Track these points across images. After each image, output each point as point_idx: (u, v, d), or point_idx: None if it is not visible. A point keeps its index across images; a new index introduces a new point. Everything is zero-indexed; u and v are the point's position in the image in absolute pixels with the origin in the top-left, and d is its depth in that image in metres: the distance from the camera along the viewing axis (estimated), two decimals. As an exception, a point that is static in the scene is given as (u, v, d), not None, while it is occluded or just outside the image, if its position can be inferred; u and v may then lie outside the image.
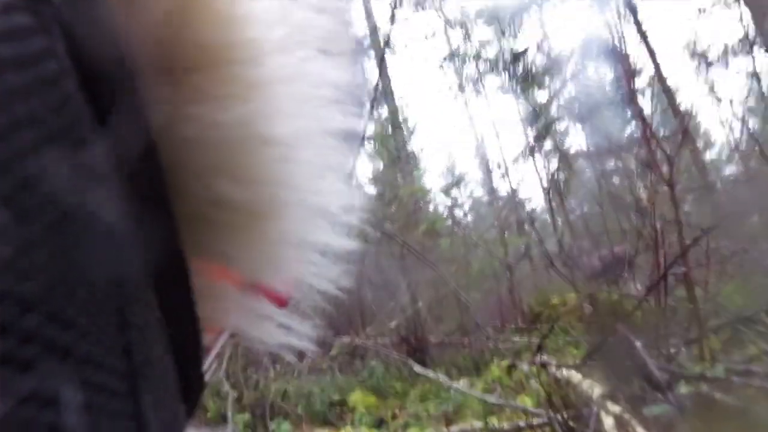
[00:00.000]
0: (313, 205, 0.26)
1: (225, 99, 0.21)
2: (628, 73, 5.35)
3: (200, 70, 0.21)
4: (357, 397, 4.99)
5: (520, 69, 7.19)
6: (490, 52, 7.83)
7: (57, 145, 0.15)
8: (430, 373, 4.54)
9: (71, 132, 0.16)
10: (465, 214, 8.16)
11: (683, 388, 2.08)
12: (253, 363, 4.86)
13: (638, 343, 2.13)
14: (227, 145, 0.22)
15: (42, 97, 0.15)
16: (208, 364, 0.30)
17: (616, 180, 6.06)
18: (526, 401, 3.59)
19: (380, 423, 4.46)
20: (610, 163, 5.74)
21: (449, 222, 7.45)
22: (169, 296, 0.21)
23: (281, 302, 0.29)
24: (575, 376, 3.11)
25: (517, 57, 7.06)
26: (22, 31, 0.14)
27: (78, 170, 0.15)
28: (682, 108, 5.61)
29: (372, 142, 6.91)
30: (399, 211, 6.25)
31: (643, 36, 5.76)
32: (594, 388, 2.68)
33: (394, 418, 4.56)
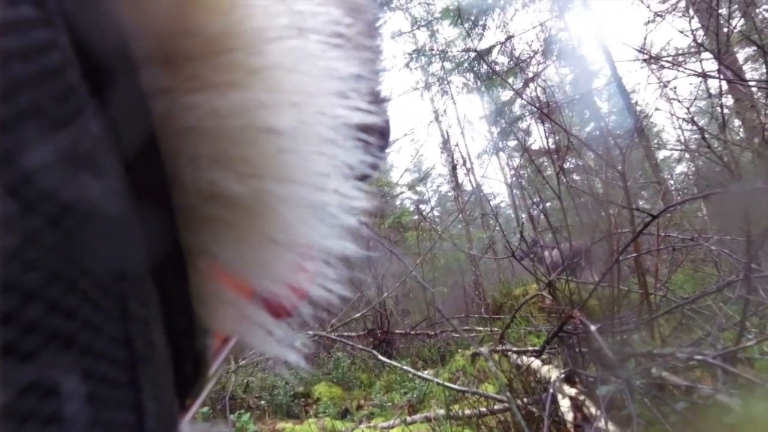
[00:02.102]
0: (313, 204, 0.24)
1: (224, 87, 0.21)
2: (586, 74, 5.54)
3: (200, 58, 0.21)
4: (322, 389, 4.99)
5: (484, 68, 7.31)
6: (456, 50, 7.94)
7: (61, 135, 0.15)
8: (395, 363, 4.60)
9: (75, 123, 0.16)
10: (431, 209, 8.26)
11: (633, 370, 2.20)
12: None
13: (593, 328, 2.23)
14: (225, 135, 0.21)
15: (46, 88, 0.15)
16: (215, 369, 0.30)
17: (576, 176, 6.26)
18: (489, 389, 3.70)
19: (345, 414, 4.48)
20: (571, 160, 5.93)
21: (415, 216, 7.54)
22: (166, 290, 0.21)
23: (282, 313, 0.28)
24: (535, 363, 3.22)
25: (481, 56, 7.18)
26: (27, 23, 0.14)
27: (81, 161, 0.15)
28: (637, 108, 5.85)
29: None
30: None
31: (601, 39, 5.96)
32: (552, 373, 2.79)
33: (359, 408, 4.60)
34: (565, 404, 2.44)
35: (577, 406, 2.36)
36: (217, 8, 0.21)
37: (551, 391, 2.49)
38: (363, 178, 0.28)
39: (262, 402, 4.62)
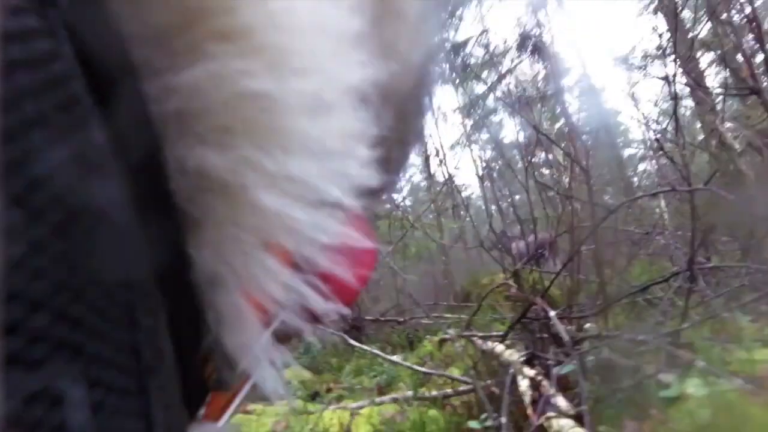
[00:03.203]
0: (297, 177, 0.22)
1: (206, 57, 0.20)
2: (557, 71, 5.72)
3: (180, 29, 0.20)
4: (292, 373, 5.04)
5: (459, 61, 7.41)
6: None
7: (66, 144, 0.15)
8: (366, 348, 4.71)
9: (79, 132, 0.16)
10: (404, 198, 8.39)
11: (588, 354, 2.37)
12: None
13: (552, 314, 2.39)
14: (208, 107, 0.21)
15: (50, 97, 0.15)
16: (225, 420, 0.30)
17: (544, 171, 6.46)
18: (455, 372, 3.85)
19: (315, 396, 4.57)
20: (540, 155, 6.12)
21: (388, 205, 7.64)
22: (173, 299, 0.20)
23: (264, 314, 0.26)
24: (498, 347, 3.38)
25: (457, 49, 7.27)
26: (30, 33, 0.15)
27: (86, 170, 0.15)
28: (606, 107, 6.08)
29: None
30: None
31: (573, 38, 6.13)
32: (513, 356, 2.95)
33: (328, 391, 4.69)
34: (524, 384, 2.61)
35: (534, 385, 2.53)
36: None
37: (511, 371, 2.65)
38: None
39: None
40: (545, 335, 2.91)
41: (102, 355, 0.15)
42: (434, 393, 3.56)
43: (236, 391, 0.30)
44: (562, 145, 4.95)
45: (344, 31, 0.23)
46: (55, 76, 0.15)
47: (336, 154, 0.23)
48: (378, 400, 3.84)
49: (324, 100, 0.23)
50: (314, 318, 0.27)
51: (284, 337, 0.27)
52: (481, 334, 3.89)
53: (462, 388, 3.36)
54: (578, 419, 1.95)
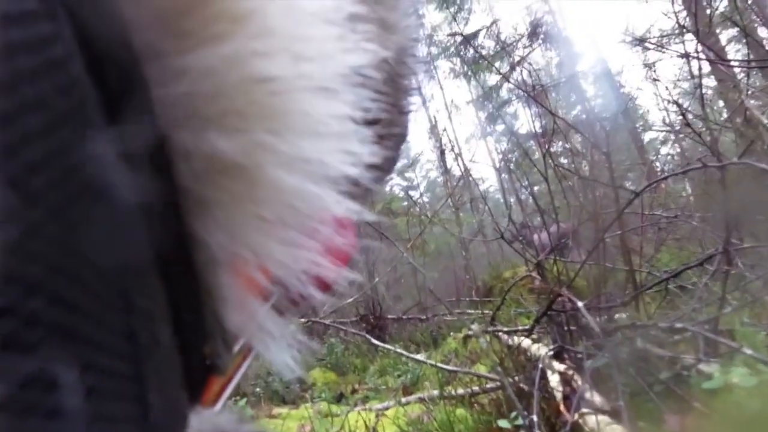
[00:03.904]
0: (311, 159, 0.22)
1: (213, 40, 0.20)
2: (572, 57, 5.58)
3: (186, 12, 0.20)
4: (316, 374, 5.03)
5: (471, 52, 7.31)
6: (442, 35, 7.92)
7: (64, 128, 0.15)
8: (389, 347, 4.66)
9: (78, 115, 0.16)
10: (421, 194, 8.30)
11: (621, 345, 2.27)
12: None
13: (580, 305, 2.30)
14: (217, 91, 0.20)
15: (50, 80, 0.15)
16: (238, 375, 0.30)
17: (563, 159, 6.32)
18: (481, 369, 3.77)
19: (340, 398, 4.54)
20: (558, 143, 5.99)
21: (405, 202, 7.58)
22: (174, 283, 0.20)
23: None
24: (525, 342, 3.29)
25: (467, 40, 7.17)
26: (30, 16, 0.14)
27: (84, 153, 0.15)
28: (623, 91, 5.91)
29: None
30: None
31: (586, 22, 5.97)
32: (541, 351, 2.86)
33: (353, 392, 4.65)
34: (554, 379, 2.52)
35: (566, 380, 2.43)
36: None
37: (540, 366, 2.56)
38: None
39: (258, 389, 4.66)
40: (573, 327, 2.81)
41: (97, 338, 0.15)
42: (461, 391, 3.50)
43: (231, 375, 0.30)
44: (580, 131, 4.82)
45: (347, 13, 0.23)
46: (55, 58, 0.15)
47: (344, 133, 0.23)
48: (403, 400, 3.79)
49: (331, 82, 0.22)
50: (325, 286, 0.27)
51: (290, 304, 0.27)
52: (506, 329, 3.80)
53: (489, 385, 3.28)
54: (615, 415, 1.86)
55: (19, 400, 0.12)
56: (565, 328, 2.82)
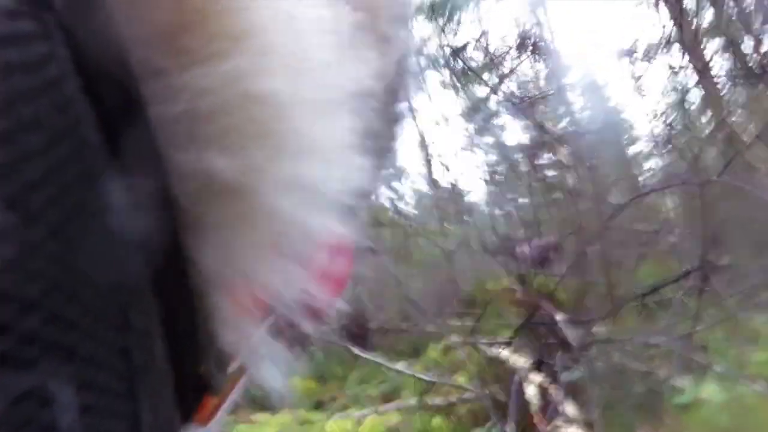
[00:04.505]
0: (309, 181, 0.22)
1: (213, 58, 0.20)
2: (559, 69, 5.63)
3: (186, 29, 0.20)
4: (296, 382, 4.99)
5: (459, 64, 7.36)
6: (431, 48, 7.98)
7: (61, 147, 0.15)
8: (370, 356, 4.64)
9: (75, 134, 0.16)
10: (407, 206, 8.30)
11: (597, 358, 2.27)
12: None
13: (558, 317, 2.30)
14: (217, 109, 0.20)
15: (46, 100, 0.15)
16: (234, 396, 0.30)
17: (551, 172, 6.36)
18: (460, 379, 3.76)
19: (319, 405, 4.50)
20: (546, 156, 6.03)
21: (392, 213, 7.57)
22: (169, 302, 0.20)
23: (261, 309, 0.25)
24: (504, 353, 3.29)
25: (456, 53, 7.22)
26: (25, 37, 0.15)
27: (81, 172, 0.16)
28: (610, 104, 5.97)
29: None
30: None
31: (573, 34, 6.05)
32: (520, 362, 2.86)
33: (333, 400, 4.61)
34: (530, 391, 2.51)
35: (542, 392, 2.43)
36: None
37: (517, 378, 2.55)
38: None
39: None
40: (552, 340, 2.81)
41: (93, 356, 0.15)
42: (439, 401, 3.48)
43: (225, 394, 0.29)
44: (565, 144, 4.87)
45: (347, 28, 0.24)
46: (51, 78, 0.15)
47: (343, 155, 0.24)
48: (382, 408, 3.76)
49: (331, 101, 0.23)
50: (316, 315, 0.27)
51: (289, 337, 0.27)
52: (486, 340, 3.79)
53: (467, 395, 3.27)
54: (589, 427, 1.86)
55: (14, 416, 0.12)
56: (544, 340, 2.82)
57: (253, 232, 0.22)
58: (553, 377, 2.46)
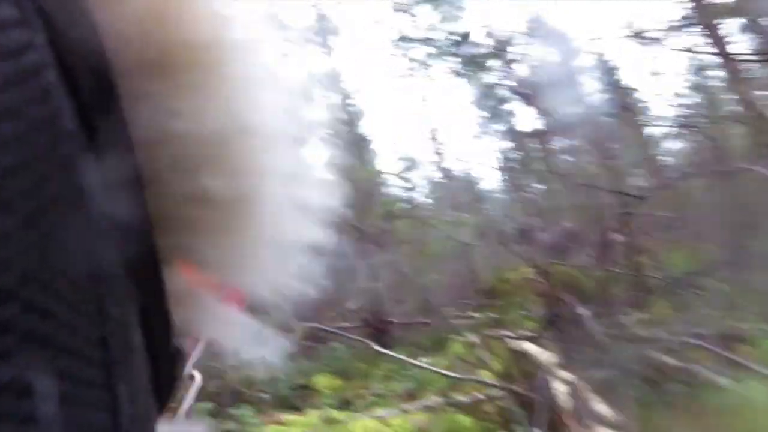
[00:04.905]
0: (292, 199, 0.25)
1: (207, 92, 0.22)
2: (570, 52, 5.50)
3: (188, 67, 0.21)
4: (322, 380, 4.99)
5: (467, 51, 7.24)
6: (439, 35, 7.85)
7: (38, 136, 0.15)
8: (392, 353, 4.60)
9: (52, 122, 0.16)
10: (420, 196, 8.22)
11: (628, 352, 2.20)
12: (215, 353, 4.77)
13: (584, 311, 2.22)
14: (211, 138, 0.22)
15: (24, 89, 0.15)
16: (188, 369, 0.31)
17: (565, 157, 6.23)
18: (486, 375, 3.70)
19: (345, 404, 4.49)
20: (560, 142, 5.90)
21: (405, 204, 7.50)
22: (142, 292, 0.21)
23: (240, 302, 0.28)
24: (530, 347, 3.22)
25: (463, 39, 7.10)
26: (6, 24, 0.15)
27: (58, 162, 0.16)
28: (623, 85, 5.81)
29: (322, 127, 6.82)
30: (354, 195, 6.23)
31: (582, 15, 5.88)
32: (546, 358, 2.79)
33: (358, 398, 4.60)
34: (559, 388, 2.45)
35: (572, 390, 2.36)
36: (204, 18, 0.22)
37: (545, 375, 2.49)
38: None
39: (265, 395, 4.62)
40: (579, 333, 2.74)
41: (70, 346, 0.15)
42: (465, 399, 3.44)
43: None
44: (580, 129, 4.76)
45: (307, 84, 0.27)
46: (29, 66, 0.15)
47: (311, 176, 0.27)
48: (407, 407, 3.73)
49: (297, 134, 0.26)
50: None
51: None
52: (510, 334, 3.73)
53: (493, 392, 3.22)
54: (621, 428, 1.79)
55: None
56: (570, 334, 2.75)
57: (226, 234, 0.24)
58: (582, 373, 2.40)
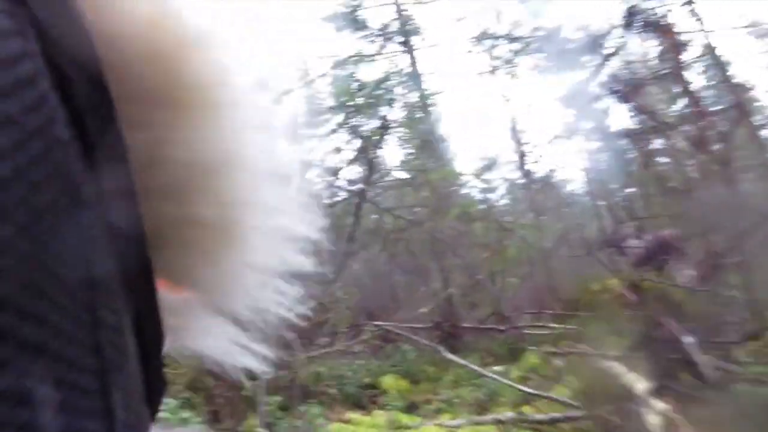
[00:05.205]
0: (278, 228, 0.27)
1: (203, 126, 0.23)
2: (674, 45, 5.01)
3: (187, 104, 0.22)
4: (389, 381, 4.97)
5: (555, 47, 6.89)
6: (524, 31, 7.53)
7: (32, 144, 0.15)
8: (462, 360, 4.45)
9: (47, 132, 0.16)
10: (499, 198, 7.93)
11: (741, 387, 1.90)
12: (284, 346, 4.87)
13: (688, 337, 1.95)
14: (203, 168, 0.23)
15: (19, 98, 0.15)
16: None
17: (662, 160, 5.73)
18: (564, 392, 3.45)
19: (412, 407, 4.42)
20: (656, 143, 5.43)
21: (482, 206, 7.25)
22: (136, 299, 0.21)
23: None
24: (617, 368, 2.95)
25: (551, 35, 6.76)
26: (1, 34, 0.15)
27: (52, 171, 0.16)
28: (736, 81, 5.22)
29: (401, 127, 6.77)
30: (430, 196, 6.11)
31: (690, 4, 5.35)
32: (637, 383, 2.52)
33: (426, 403, 4.51)
34: (653, 420, 2.18)
35: (668, 423, 2.09)
36: (204, 64, 0.23)
37: (634, 402, 2.23)
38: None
39: (332, 391, 4.65)
40: (677, 359, 2.44)
41: (65, 354, 0.16)
42: (540, 416, 3.23)
43: None
44: (683, 128, 4.32)
45: (291, 124, 0.30)
46: (23, 76, 0.15)
47: (295, 210, 0.29)
48: (477, 419, 3.58)
49: (282, 172, 0.27)
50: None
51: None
52: (594, 351, 3.44)
53: (573, 413, 2.98)
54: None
55: None
56: (667, 359, 2.45)
57: (225, 260, 0.26)
58: (682, 406, 2.12)
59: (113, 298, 0.19)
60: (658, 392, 2.32)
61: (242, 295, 0.27)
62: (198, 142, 0.23)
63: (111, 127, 0.19)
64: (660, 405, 2.22)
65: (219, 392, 3.66)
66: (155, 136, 0.22)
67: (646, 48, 5.86)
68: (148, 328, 0.22)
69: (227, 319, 0.28)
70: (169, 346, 0.25)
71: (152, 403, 0.23)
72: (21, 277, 0.14)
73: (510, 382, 3.52)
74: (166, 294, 0.24)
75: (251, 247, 0.26)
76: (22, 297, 0.14)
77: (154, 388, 0.23)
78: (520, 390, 3.41)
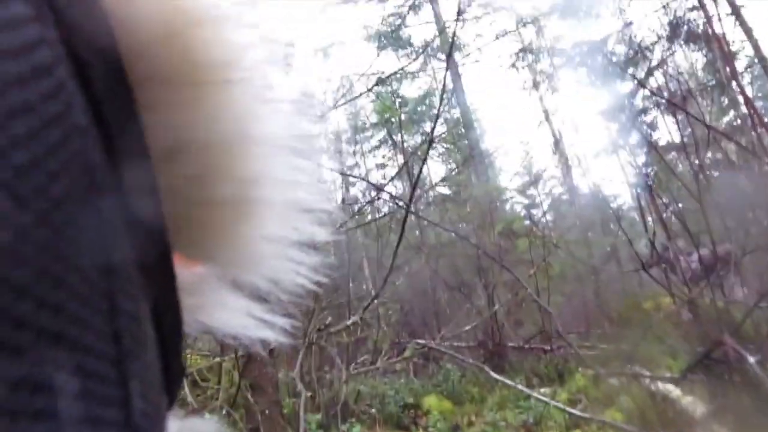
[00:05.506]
0: (293, 200, 0.28)
1: (215, 105, 0.23)
2: (725, 55, 4.84)
3: (201, 83, 0.22)
4: (432, 401, 4.89)
5: (599, 60, 6.78)
6: (566, 45, 7.45)
7: (50, 132, 0.15)
8: (508, 380, 4.33)
9: (65, 119, 0.16)
10: (544, 213, 7.77)
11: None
12: (326, 362, 4.89)
13: (751, 359, 1.85)
14: (219, 147, 0.23)
15: (37, 85, 0.15)
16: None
17: (715, 173, 5.50)
18: (616, 416, 3.32)
19: (455, 429, 4.32)
20: (708, 155, 5.23)
21: (527, 222, 7.14)
22: (154, 287, 0.21)
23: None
24: (673, 391, 2.81)
25: (595, 48, 6.65)
26: (19, 20, 0.15)
27: (70, 158, 0.16)
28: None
29: (444, 142, 6.78)
30: (473, 211, 6.07)
31: (737, 13, 5.17)
32: (697, 407, 2.39)
33: (469, 425, 4.40)
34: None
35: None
36: (216, 43, 0.23)
37: (694, 427, 2.12)
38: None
39: (373, 410, 4.61)
40: (741, 382, 2.31)
41: (83, 341, 0.16)
42: (592, 441, 3.10)
43: None
44: (738, 139, 4.15)
45: (302, 97, 0.29)
46: (42, 63, 0.15)
47: (308, 184, 0.29)
48: (524, 442, 3.46)
49: (295, 145, 0.27)
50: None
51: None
52: (648, 372, 3.30)
53: (627, 438, 2.85)
54: None
55: (11, 402, 0.13)
56: (728, 381, 2.33)
57: (243, 235, 0.26)
58: (744, 431, 2.00)
59: (131, 286, 0.19)
60: (720, 416, 2.20)
61: (259, 267, 0.28)
62: (215, 122, 0.23)
63: (129, 112, 0.19)
64: (721, 430, 2.11)
65: (259, 409, 3.70)
66: (173, 117, 0.22)
67: (692, 59, 5.70)
68: (167, 315, 0.22)
69: (244, 292, 0.29)
70: (186, 326, 0.26)
71: (170, 391, 0.23)
72: (39, 265, 0.14)
73: (559, 404, 3.40)
74: (182, 270, 0.24)
75: (266, 219, 0.26)
76: (41, 285, 0.14)
77: (172, 377, 0.23)
78: (569, 413, 3.29)
